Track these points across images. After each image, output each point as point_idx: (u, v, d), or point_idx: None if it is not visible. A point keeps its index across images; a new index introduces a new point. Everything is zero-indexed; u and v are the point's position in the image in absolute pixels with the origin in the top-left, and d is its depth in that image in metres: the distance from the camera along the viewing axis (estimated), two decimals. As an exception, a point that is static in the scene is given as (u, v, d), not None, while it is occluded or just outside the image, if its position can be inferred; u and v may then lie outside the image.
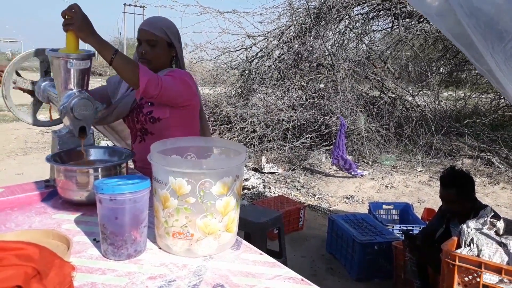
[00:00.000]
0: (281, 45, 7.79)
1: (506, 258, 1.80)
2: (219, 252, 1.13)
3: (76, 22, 1.40)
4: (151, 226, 1.18)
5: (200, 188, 1.05)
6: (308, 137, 6.59)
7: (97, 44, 1.48)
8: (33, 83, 1.70)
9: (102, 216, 1.07)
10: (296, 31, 7.68)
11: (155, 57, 1.74)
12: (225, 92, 7.81)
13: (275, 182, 5.30)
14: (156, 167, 1.10)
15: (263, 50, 7.79)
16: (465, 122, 7.63)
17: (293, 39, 7.68)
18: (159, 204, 1.11)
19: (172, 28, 1.79)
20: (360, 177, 5.58)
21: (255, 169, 5.67)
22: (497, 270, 1.72)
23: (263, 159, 5.88)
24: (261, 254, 1.15)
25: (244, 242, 1.21)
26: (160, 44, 1.75)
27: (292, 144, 6.40)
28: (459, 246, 1.93)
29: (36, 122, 1.78)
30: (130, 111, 1.81)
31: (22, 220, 1.31)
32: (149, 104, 1.75)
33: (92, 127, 1.61)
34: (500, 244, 1.86)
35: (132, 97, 1.79)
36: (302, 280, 1.02)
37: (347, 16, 7.84)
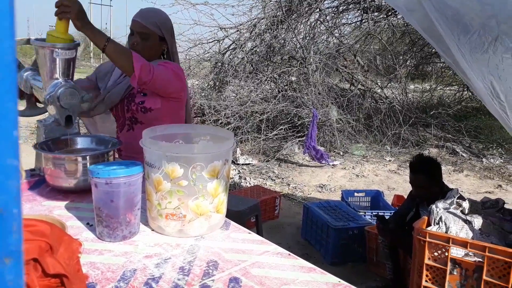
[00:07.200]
0: (254, 37, 7.83)
1: (471, 234, 1.95)
2: (209, 232, 1.20)
3: (73, 11, 1.43)
4: (142, 211, 1.22)
5: (192, 171, 1.11)
6: (282, 128, 6.69)
7: (90, 33, 1.51)
8: None
9: (97, 200, 1.11)
10: (268, 24, 7.75)
11: (145, 49, 1.76)
12: (198, 84, 7.80)
13: (250, 173, 5.38)
14: (149, 152, 1.14)
15: (236, 42, 7.81)
16: (431, 113, 7.94)
17: (265, 32, 7.74)
18: (152, 187, 1.16)
19: (166, 22, 1.82)
20: (332, 167, 5.74)
21: (229, 161, 5.72)
22: (463, 244, 1.87)
23: (238, 150, 5.94)
24: (249, 233, 1.22)
25: (233, 223, 1.28)
26: (151, 37, 1.77)
27: (266, 135, 6.49)
28: (429, 224, 2.07)
29: (21, 113, 1.79)
30: (120, 100, 1.83)
31: (12, 207, 1.32)
32: (142, 94, 1.78)
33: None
34: (466, 221, 2.00)
35: (124, 85, 1.82)
36: (289, 255, 1.10)
37: (318, 10, 7.96)
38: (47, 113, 1.61)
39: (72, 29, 1.51)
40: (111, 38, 1.57)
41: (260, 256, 1.09)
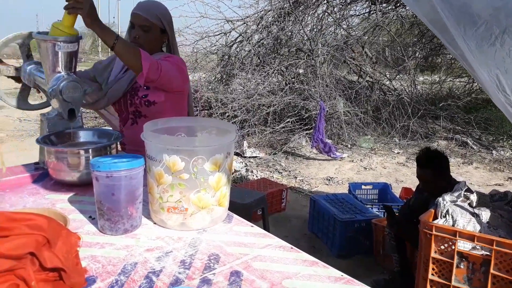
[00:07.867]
0: (260, 30, 7.79)
1: (478, 227, 1.93)
2: (212, 226, 1.19)
3: (85, 7, 1.42)
4: (144, 204, 1.22)
5: (194, 164, 1.10)
6: (289, 121, 6.67)
7: (100, 30, 1.50)
8: (17, 68, 1.70)
9: (98, 193, 1.10)
10: (275, 16, 7.69)
11: (147, 42, 1.75)
12: (204, 78, 7.79)
13: (257, 166, 5.37)
14: (150, 145, 1.14)
15: (242, 35, 7.77)
16: (440, 105, 7.85)
17: (272, 24, 7.68)
18: (154, 181, 1.15)
19: (166, 14, 1.80)
20: (340, 160, 5.71)
21: (237, 154, 5.72)
22: (470, 237, 1.85)
23: (245, 143, 5.93)
24: (252, 226, 1.21)
25: (236, 216, 1.27)
26: (153, 30, 1.76)
27: (273, 128, 6.47)
28: (435, 217, 2.05)
29: (21, 106, 1.79)
30: (123, 94, 1.83)
31: (16, 201, 1.33)
32: (145, 87, 1.77)
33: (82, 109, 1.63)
34: (473, 214, 1.98)
35: (125, 81, 1.81)
36: (291, 248, 1.09)
37: (325, 1, 7.89)
38: (46, 108, 1.61)
39: (80, 24, 1.50)
40: (120, 35, 1.56)
41: (262, 250, 1.08)
